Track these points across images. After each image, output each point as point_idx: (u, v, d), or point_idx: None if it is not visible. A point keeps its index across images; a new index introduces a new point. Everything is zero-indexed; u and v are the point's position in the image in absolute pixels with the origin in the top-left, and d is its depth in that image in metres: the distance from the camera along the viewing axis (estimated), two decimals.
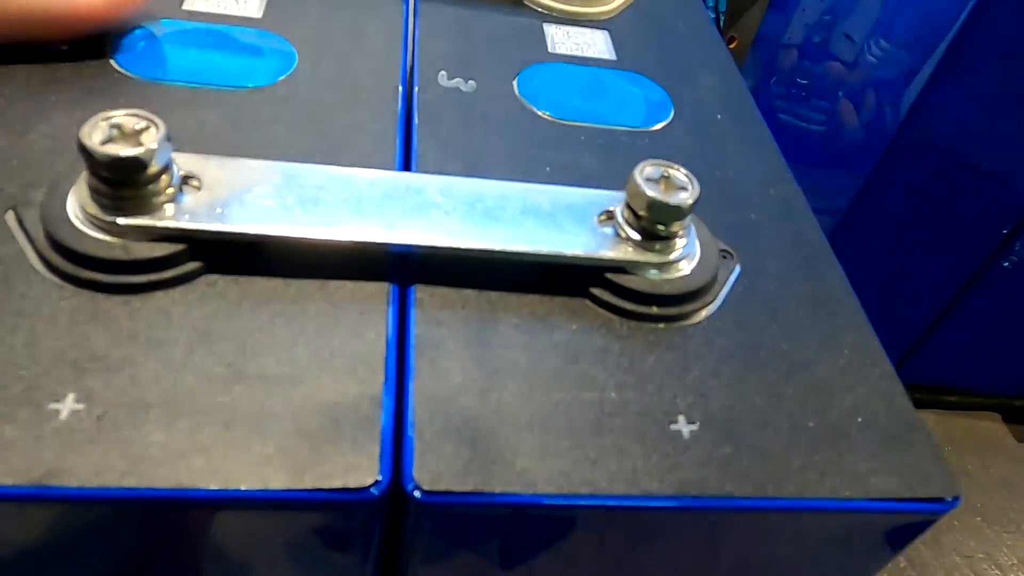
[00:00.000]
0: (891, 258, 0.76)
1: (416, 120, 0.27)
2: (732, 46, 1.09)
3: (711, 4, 1.11)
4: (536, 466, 0.18)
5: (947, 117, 0.67)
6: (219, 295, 0.20)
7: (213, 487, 0.17)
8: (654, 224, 0.22)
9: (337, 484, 0.17)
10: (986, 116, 0.67)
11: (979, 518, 0.73)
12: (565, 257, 0.22)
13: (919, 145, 0.69)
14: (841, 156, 0.78)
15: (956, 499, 0.19)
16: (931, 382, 0.86)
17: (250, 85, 0.27)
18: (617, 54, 0.33)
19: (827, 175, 0.79)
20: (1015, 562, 0.70)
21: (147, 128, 0.20)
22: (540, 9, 0.35)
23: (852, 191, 0.74)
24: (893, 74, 0.71)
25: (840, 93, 0.79)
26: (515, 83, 0.30)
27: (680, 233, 0.22)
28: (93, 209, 0.20)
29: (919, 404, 0.86)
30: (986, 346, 0.83)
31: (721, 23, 1.10)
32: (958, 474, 0.76)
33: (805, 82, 0.85)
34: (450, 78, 0.30)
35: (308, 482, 0.17)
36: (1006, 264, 0.75)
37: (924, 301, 0.80)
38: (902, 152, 0.70)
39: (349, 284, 0.21)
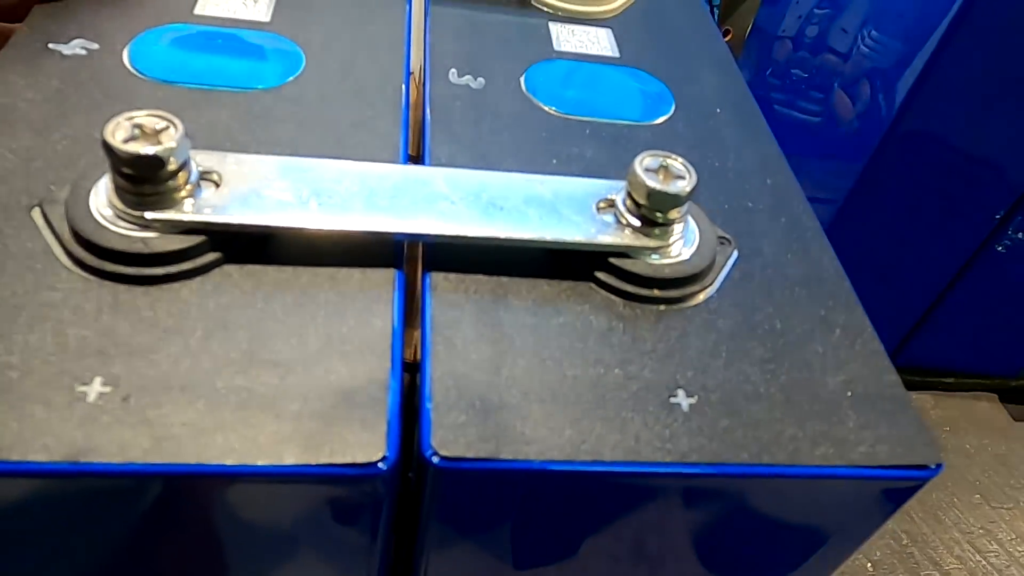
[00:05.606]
0: (889, 245, 0.77)
1: (428, 116, 0.28)
2: (727, 39, 1.10)
3: None
4: (545, 436, 0.19)
5: (940, 106, 0.68)
6: (235, 285, 0.21)
7: (231, 463, 0.18)
8: (653, 211, 0.23)
9: (347, 460, 0.18)
10: (978, 104, 0.68)
11: (978, 495, 0.74)
12: (567, 243, 0.23)
13: (914, 134, 0.70)
14: (837, 146, 0.79)
15: (939, 466, 0.20)
16: (929, 364, 0.87)
17: (260, 86, 0.28)
18: (620, 51, 0.34)
19: (824, 165, 0.80)
20: (1014, 537, 0.71)
21: (166, 128, 0.21)
22: (546, 9, 0.36)
23: (850, 180, 0.75)
24: (886, 64, 0.72)
25: (835, 84, 0.80)
26: (522, 80, 0.31)
27: (678, 220, 0.23)
28: (117, 205, 0.21)
29: (918, 386, 0.87)
30: (982, 328, 0.84)
31: (716, 16, 1.11)
32: (957, 453, 0.78)
33: (800, 73, 0.86)
34: (460, 76, 0.31)
35: (320, 458, 0.18)
36: (1000, 248, 0.76)
37: (921, 286, 0.81)
38: (897, 141, 0.71)
39: (357, 272, 0.22)
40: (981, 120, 0.69)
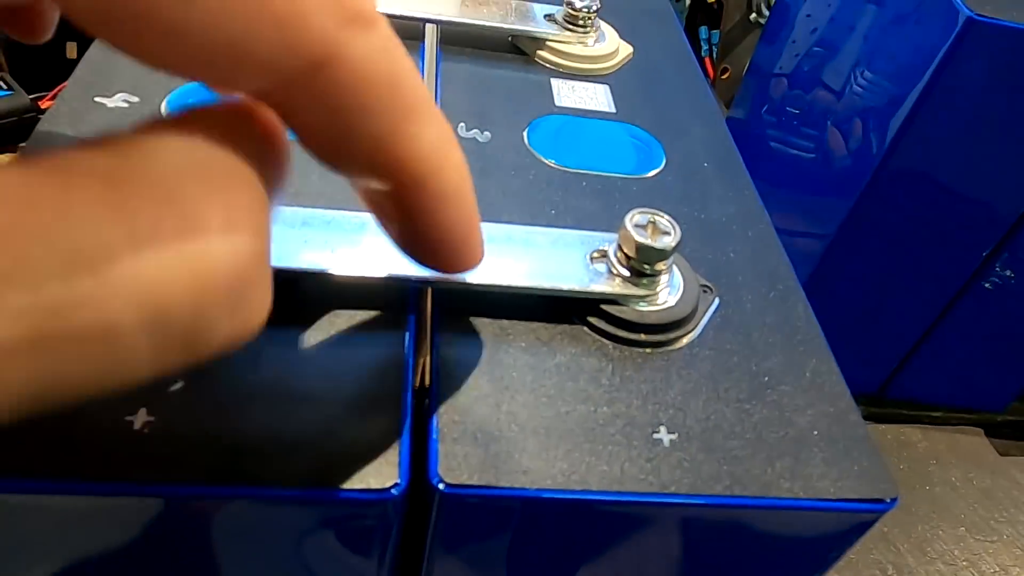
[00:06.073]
0: (878, 280, 0.79)
1: None
2: (725, 77, 1.13)
3: (704, 36, 1.15)
4: (539, 466, 0.22)
5: (930, 145, 0.71)
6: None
7: (252, 486, 0.20)
8: (641, 264, 0.25)
9: (362, 485, 0.20)
10: (966, 144, 0.70)
11: (963, 528, 0.76)
12: (562, 291, 0.25)
13: (904, 171, 0.73)
14: (830, 182, 0.81)
15: (894, 500, 0.22)
16: (917, 398, 0.89)
17: None
18: (616, 107, 0.37)
19: (817, 201, 0.83)
20: (997, 570, 0.73)
21: None
22: (548, 65, 0.39)
23: (841, 215, 0.77)
24: (878, 103, 0.75)
25: (828, 122, 0.83)
26: (525, 134, 0.34)
27: (664, 271, 0.26)
28: None
29: (906, 419, 0.89)
30: (970, 363, 0.86)
31: (714, 55, 1.14)
32: (943, 486, 0.80)
33: (795, 111, 0.89)
34: (468, 129, 0.33)
35: (336, 483, 0.20)
36: (987, 285, 0.79)
37: (910, 320, 0.83)
38: (888, 178, 0.73)
39: (372, 313, 0.25)
40: (968, 159, 0.71)
